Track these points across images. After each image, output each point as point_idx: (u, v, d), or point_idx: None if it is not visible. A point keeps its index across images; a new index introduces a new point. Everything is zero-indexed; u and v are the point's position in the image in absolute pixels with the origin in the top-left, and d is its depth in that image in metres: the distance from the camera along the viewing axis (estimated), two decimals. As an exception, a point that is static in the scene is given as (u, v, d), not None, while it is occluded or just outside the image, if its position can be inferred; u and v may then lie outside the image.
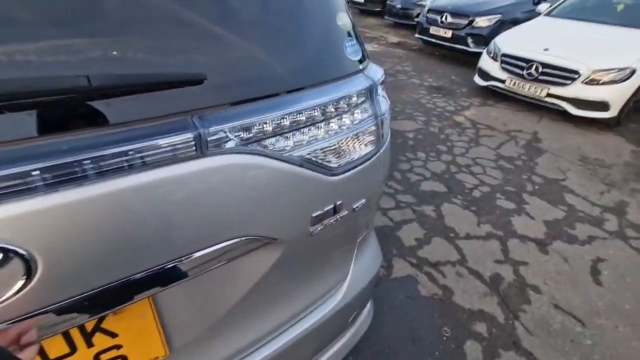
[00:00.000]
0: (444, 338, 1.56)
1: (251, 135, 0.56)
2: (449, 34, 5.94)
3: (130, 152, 0.44)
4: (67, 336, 0.53)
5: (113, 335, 0.58)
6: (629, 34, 4.01)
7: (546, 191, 2.68)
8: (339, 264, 0.95)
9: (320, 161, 0.67)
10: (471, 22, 5.74)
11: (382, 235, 2.14)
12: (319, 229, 0.73)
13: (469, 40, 5.73)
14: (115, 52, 0.44)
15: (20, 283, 0.42)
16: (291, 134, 0.62)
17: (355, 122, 0.72)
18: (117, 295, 0.50)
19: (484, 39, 5.40)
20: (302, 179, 0.64)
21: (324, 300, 0.94)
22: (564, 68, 3.70)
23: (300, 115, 0.62)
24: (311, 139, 0.65)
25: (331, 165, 0.69)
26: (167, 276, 0.54)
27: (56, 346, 0.53)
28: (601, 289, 1.84)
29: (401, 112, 3.98)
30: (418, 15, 7.06)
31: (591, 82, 3.59)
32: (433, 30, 6.16)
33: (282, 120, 0.59)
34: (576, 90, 3.66)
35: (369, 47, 6.83)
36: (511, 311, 1.70)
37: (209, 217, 0.55)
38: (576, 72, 3.63)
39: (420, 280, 1.85)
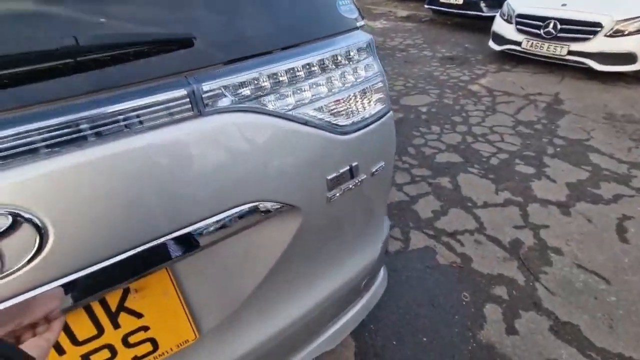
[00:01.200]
0: (464, 302, 1.57)
1: (248, 92, 0.56)
2: (459, 0, 5.69)
3: (125, 111, 0.46)
4: (92, 316, 0.54)
5: (138, 315, 0.58)
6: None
7: (568, 153, 2.58)
8: (365, 235, 0.93)
9: (327, 119, 0.66)
10: (483, -16, 5.48)
11: (398, 209, 2.15)
12: (337, 194, 0.71)
13: (482, 4, 5.48)
14: (102, 20, 0.47)
15: (32, 251, 0.42)
16: (291, 90, 0.61)
17: (360, 79, 0.71)
18: (132, 264, 0.51)
19: (498, 1, 5.14)
20: (309, 138, 0.63)
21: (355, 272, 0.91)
22: (584, 22, 3.50)
23: (298, 71, 0.61)
24: (314, 96, 0.64)
25: (340, 123, 0.68)
26: (181, 244, 0.54)
27: (83, 327, 0.54)
28: (627, 246, 1.79)
29: (413, 87, 3.91)
30: (426, -16, 6.82)
31: (615, 33, 3.37)
32: (443, -2, 5.93)
33: (278, 77, 0.59)
34: (599, 44, 3.45)
35: (377, 24, 6.66)
36: (532, 273, 1.68)
37: (217, 180, 0.55)
38: (598, 25, 3.42)
39: (438, 250, 1.86)
